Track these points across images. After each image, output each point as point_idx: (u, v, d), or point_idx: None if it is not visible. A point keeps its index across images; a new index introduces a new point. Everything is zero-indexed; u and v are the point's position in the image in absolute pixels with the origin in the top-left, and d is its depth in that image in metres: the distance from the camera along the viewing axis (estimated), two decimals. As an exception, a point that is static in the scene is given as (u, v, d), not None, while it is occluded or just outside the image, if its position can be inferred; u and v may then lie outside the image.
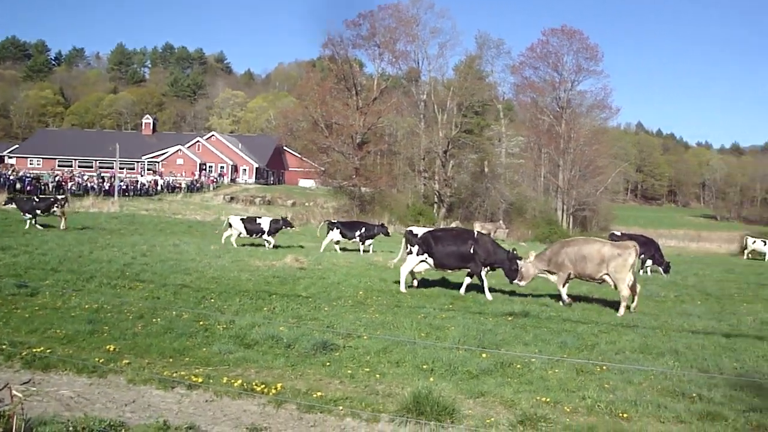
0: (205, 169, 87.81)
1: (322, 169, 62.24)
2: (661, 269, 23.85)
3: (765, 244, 40.00)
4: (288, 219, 29.50)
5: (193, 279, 14.97)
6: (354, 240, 28.21)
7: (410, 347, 9.09)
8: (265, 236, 26.45)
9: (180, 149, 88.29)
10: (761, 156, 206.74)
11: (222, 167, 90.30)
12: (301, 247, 28.08)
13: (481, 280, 15.16)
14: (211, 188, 75.33)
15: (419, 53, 64.90)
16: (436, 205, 60.67)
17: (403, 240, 16.40)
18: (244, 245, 25.81)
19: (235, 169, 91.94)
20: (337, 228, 28.06)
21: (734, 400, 7.42)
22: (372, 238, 28.60)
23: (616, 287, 14.06)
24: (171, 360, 8.14)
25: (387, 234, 30.10)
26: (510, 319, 12.03)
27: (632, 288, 13.99)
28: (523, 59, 69.81)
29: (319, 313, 11.70)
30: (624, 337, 10.74)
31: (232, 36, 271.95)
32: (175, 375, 7.35)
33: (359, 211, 54.35)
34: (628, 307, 13.83)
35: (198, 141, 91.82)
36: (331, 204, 61.60)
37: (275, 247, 26.10)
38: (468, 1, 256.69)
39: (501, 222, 48.39)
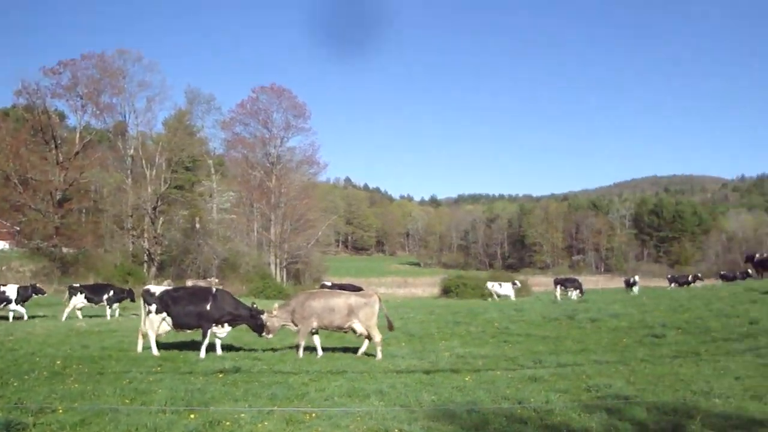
0: None
1: (17, 228, 56.84)
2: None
3: (501, 286, 43.58)
4: (37, 285, 26.72)
5: None
6: (102, 304, 26.42)
7: (112, 415, 8.51)
8: (12, 306, 23.95)
9: None
10: (455, 207, 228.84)
11: None
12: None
13: (204, 336, 14.80)
14: None
15: (126, 106, 62.16)
16: (146, 264, 58.13)
17: (141, 300, 15.47)
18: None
19: None
20: (82, 293, 25.96)
21: (431, 430, 7.96)
22: (120, 302, 27.12)
23: (368, 334, 14.82)
24: None
25: (133, 300, 28.16)
26: (221, 376, 11.81)
27: (368, 335, 14.83)
28: (233, 115, 70.53)
29: (6, 389, 10.49)
30: (333, 383, 11.01)
31: None
32: None
33: (61, 273, 50.29)
34: (355, 351, 14.50)
35: None
36: (29, 267, 56.21)
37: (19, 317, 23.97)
38: (178, 55, 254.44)
39: (214, 278, 47.61)
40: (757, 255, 37.27)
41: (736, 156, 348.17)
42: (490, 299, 42.29)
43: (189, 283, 40.10)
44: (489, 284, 45.34)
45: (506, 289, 43.09)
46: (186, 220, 65.20)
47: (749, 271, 36.49)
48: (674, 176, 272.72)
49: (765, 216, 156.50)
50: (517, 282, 46.46)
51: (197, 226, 65.54)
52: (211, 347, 14.94)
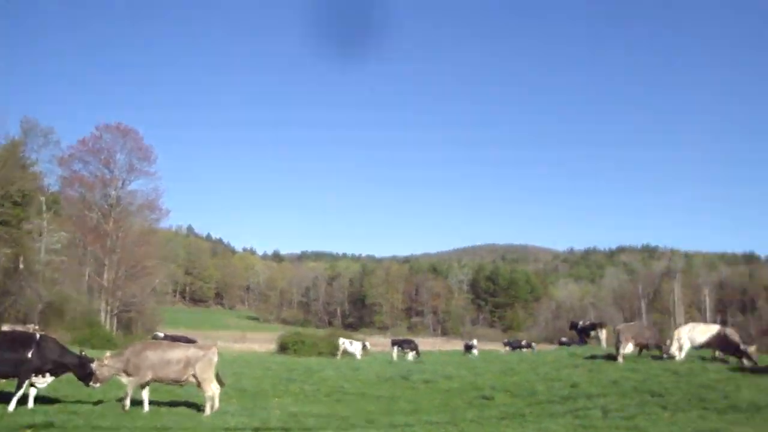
0: None
1: None
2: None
3: (352, 344, 43.22)
4: None
5: None
6: None
7: None
8: None
9: None
10: (298, 263, 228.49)
11: None
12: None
13: (19, 387, 13.47)
14: None
15: (-55, 133, 57.59)
16: (-43, 306, 53.25)
17: None
18: None
19: None
20: None
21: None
22: None
23: (200, 387, 14.24)
24: None
25: None
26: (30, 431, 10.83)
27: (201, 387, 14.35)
28: (73, 152, 66.79)
29: None
30: (155, 441, 10.41)
31: None
32: None
33: None
34: (186, 405, 14.01)
35: None
36: None
37: None
38: (14, 82, 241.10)
39: (34, 324, 44.37)
40: (581, 322, 39.67)
41: (566, 230, 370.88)
42: (338, 356, 42.21)
43: (5, 328, 37.11)
44: (341, 340, 45.26)
45: (356, 347, 43.20)
46: (8, 259, 60.55)
47: (586, 338, 38.74)
48: (511, 245, 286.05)
49: (590, 286, 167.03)
50: (367, 344, 46.73)
51: (21, 266, 61.06)
52: (22, 399, 13.68)
